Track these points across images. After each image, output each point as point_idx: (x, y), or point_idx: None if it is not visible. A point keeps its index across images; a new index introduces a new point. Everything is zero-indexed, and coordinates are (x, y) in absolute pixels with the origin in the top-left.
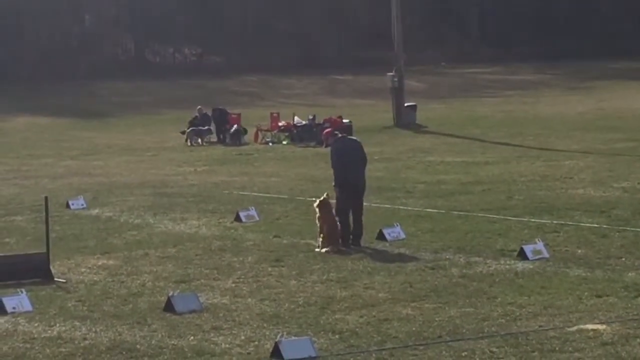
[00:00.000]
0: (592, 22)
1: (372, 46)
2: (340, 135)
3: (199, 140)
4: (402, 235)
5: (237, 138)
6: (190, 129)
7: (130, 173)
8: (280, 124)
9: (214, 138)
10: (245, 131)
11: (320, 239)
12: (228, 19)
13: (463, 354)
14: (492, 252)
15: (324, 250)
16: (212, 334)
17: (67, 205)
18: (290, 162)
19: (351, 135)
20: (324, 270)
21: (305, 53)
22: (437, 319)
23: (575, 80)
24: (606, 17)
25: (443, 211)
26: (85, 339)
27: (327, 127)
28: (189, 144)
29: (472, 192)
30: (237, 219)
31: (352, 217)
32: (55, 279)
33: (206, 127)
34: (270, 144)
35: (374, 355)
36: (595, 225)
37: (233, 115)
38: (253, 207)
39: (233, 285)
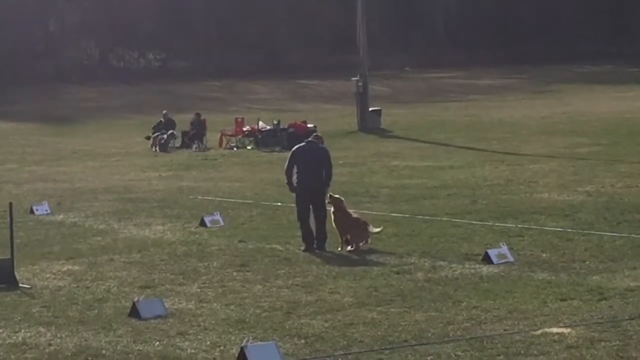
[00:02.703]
0: (556, 26)
1: (336, 51)
2: (306, 140)
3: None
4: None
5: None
6: (156, 134)
7: (95, 178)
8: (244, 129)
9: (177, 143)
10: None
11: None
12: (193, 24)
13: (428, 358)
14: (457, 256)
15: (349, 248)
16: (177, 339)
17: (32, 211)
18: (255, 167)
19: (322, 143)
20: (289, 275)
21: (270, 58)
22: (402, 323)
23: (540, 85)
24: (570, 22)
25: (408, 215)
26: (50, 344)
27: (291, 132)
28: (154, 149)
29: (437, 196)
30: (202, 224)
31: (315, 224)
32: (20, 285)
33: (170, 132)
34: (235, 149)
35: (339, 359)
36: (560, 229)
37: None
38: (218, 212)
39: (198, 290)
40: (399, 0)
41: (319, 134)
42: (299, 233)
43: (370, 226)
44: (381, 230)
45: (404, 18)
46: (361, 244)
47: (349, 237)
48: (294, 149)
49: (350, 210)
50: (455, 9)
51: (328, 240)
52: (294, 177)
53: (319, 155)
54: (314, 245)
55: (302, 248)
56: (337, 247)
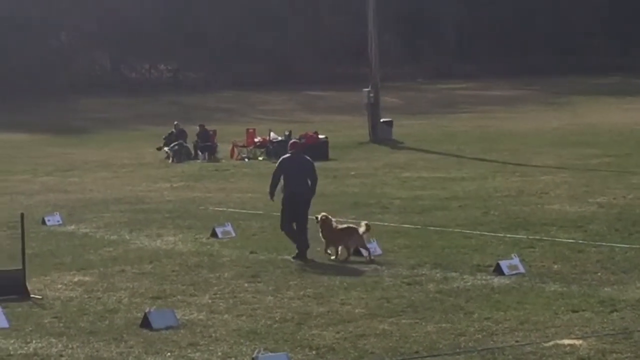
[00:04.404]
0: (567, 38)
1: (348, 62)
2: (291, 152)
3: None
4: (379, 251)
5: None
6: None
7: (107, 189)
8: (256, 139)
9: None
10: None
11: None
12: (204, 35)
13: None
14: (469, 268)
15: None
16: (189, 350)
17: (43, 222)
18: (266, 178)
19: (304, 153)
20: (300, 286)
21: (282, 69)
22: (413, 334)
23: (551, 96)
24: (582, 33)
25: (419, 227)
26: (61, 355)
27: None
28: (170, 161)
29: (449, 207)
30: (214, 234)
31: (296, 232)
32: (32, 296)
33: (179, 142)
34: (247, 159)
35: None
36: (571, 241)
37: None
38: (229, 223)
39: (210, 301)
40: (411, 12)
41: (297, 140)
42: (311, 244)
43: (359, 228)
44: (368, 226)
45: (415, 29)
46: (353, 249)
47: (343, 246)
48: (280, 159)
49: (334, 223)
50: (466, 21)
51: (310, 249)
52: (280, 187)
53: (305, 165)
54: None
55: (295, 257)
56: (331, 256)
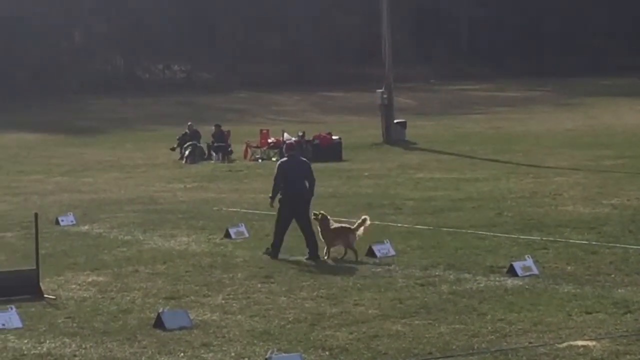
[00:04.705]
0: (581, 38)
1: (361, 63)
2: (288, 155)
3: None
4: (392, 252)
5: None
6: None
7: (120, 189)
8: (269, 140)
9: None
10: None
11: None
12: (217, 35)
13: None
14: (482, 269)
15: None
16: (202, 351)
17: (57, 222)
18: None
19: (301, 154)
20: (313, 286)
21: (295, 70)
22: (427, 335)
23: (565, 97)
24: (595, 34)
25: (432, 228)
26: (75, 355)
27: (316, 144)
28: (184, 161)
29: (462, 208)
30: (227, 235)
31: (303, 234)
32: (45, 296)
33: (193, 143)
34: (260, 160)
35: None
36: (585, 242)
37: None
38: (243, 224)
39: (223, 301)
40: (424, 13)
41: (293, 142)
42: (324, 244)
43: (354, 227)
44: (365, 220)
45: (428, 30)
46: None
47: (341, 245)
48: (279, 163)
49: (332, 222)
50: (479, 22)
51: (318, 248)
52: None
53: (303, 167)
54: (308, 254)
55: (266, 252)
56: (324, 256)
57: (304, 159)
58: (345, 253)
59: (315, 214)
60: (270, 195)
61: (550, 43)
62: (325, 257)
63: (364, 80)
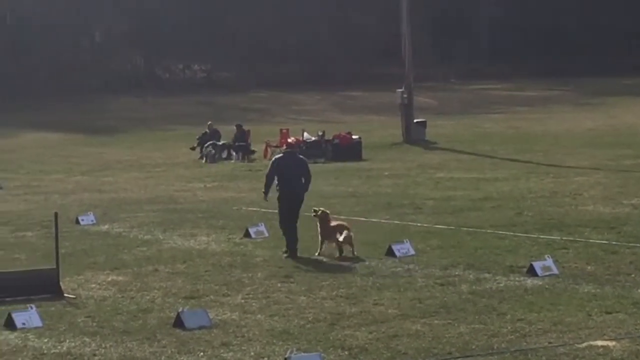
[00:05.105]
0: (602, 38)
1: (381, 62)
2: (284, 152)
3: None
4: (412, 252)
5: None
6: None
7: (140, 189)
8: (289, 139)
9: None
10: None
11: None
12: (238, 35)
13: None
14: (502, 269)
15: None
16: (221, 350)
17: (77, 221)
18: None
19: (296, 153)
20: (333, 286)
21: (315, 69)
22: (446, 335)
23: (585, 97)
24: (616, 33)
25: (452, 227)
26: (94, 354)
27: (336, 143)
28: (204, 160)
29: (482, 208)
30: (247, 235)
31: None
32: (65, 295)
33: (212, 142)
34: None
35: None
36: (605, 242)
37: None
38: (262, 223)
39: (242, 301)
40: (444, 12)
41: (291, 141)
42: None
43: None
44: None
45: (448, 30)
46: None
47: (340, 240)
48: (273, 159)
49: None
50: (500, 21)
51: (299, 244)
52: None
53: (299, 164)
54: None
55: (285, 255)
56: (315, 253)
57: (302, 157)
58: (341, 252)
59: (315, 211)
60: (263, 190)
61: (570, 42)
62: (317, 254)
63: (383, 80)
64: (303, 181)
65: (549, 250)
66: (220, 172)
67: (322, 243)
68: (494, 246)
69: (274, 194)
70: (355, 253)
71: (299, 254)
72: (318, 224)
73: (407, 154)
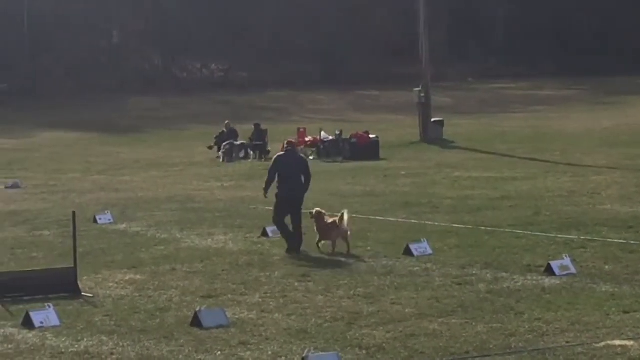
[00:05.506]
0: (618, 37)
1: (399, 62)
2: (285, 150)
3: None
4: (429, 251)
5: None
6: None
7: (158, 188)
8: (307, 139)
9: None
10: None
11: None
12: (255, 34)
13: None
14: (519, 268)
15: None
16: (239, 349)
17: (95, 220)
18: (316, 177)
19: (297, 151)
20: (350, 285)
21: (332, 68)
22: (464, 334)
23: (602, 96)
24: (633, 32)
25: (470, 227)
26: (112, 353)
27: (353, 142)
28: (221, 160)
29: (500, 207)
30: (264, 234)
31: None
32: (83, 294)
33: (230, 141)
34: None
35: None
36: (623, 241)
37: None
38: None
39: (260, 300)
40: (461, 11)
41: (293, 140)
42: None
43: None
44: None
45: (464, 29)
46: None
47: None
48: (275, 157)
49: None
50: (516, 20)
51: (302, 244)
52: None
53: (299, 163)
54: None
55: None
56: (329, 250)
57: (302, 155)
58: (334, 248)
59: (310, 213)
60: (263, 187)
61: (588, 41)
62: (330, 250)
63: (400, 79)
64: (303, 180)
65: (567, 249)
66: (238, 172)
67: (333, 243)
68: (512, 245)
69: (273, 194)
70: (350, 251)
71: (314, 254)
72: (314, 224)
73: (425, 153)
